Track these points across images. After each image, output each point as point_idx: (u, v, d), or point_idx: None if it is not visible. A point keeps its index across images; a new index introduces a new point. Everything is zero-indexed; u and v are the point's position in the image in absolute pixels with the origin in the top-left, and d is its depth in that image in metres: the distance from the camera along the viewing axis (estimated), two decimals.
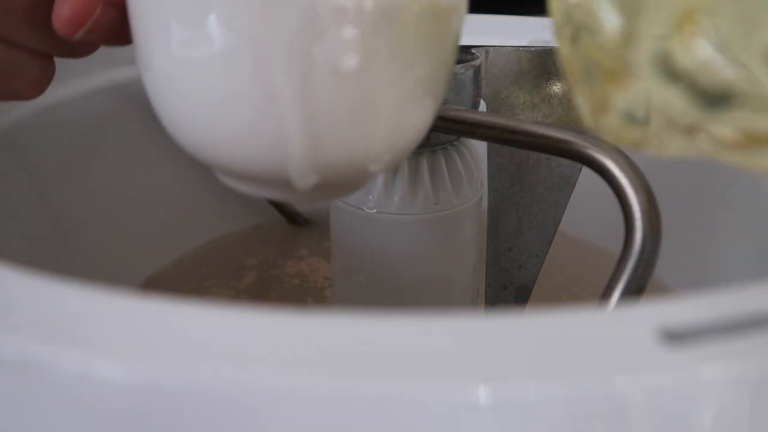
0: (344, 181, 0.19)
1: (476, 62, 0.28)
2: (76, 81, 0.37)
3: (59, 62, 0.23)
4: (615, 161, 0.22)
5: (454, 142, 0.29)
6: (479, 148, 0.30)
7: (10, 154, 0.32)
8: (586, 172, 0.25)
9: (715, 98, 0.13)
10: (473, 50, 0.29)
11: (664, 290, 0.40)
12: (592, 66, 0.15)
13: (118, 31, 0.20)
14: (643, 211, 0.21)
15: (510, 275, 0.31)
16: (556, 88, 0.29)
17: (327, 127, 0.17)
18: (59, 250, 0.35)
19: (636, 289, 0.21)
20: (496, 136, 0.25)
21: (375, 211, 0.28)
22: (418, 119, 0.19)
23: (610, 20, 0.14)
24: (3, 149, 0.32)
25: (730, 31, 0.13)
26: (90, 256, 0.37)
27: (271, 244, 0.45)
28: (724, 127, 0.14)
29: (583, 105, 0.16)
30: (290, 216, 0.47)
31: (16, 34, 0.21)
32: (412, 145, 0.19)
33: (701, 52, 0.13)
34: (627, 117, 0.14)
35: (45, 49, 0.22)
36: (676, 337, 0.12)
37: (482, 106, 0.30)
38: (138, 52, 0.19)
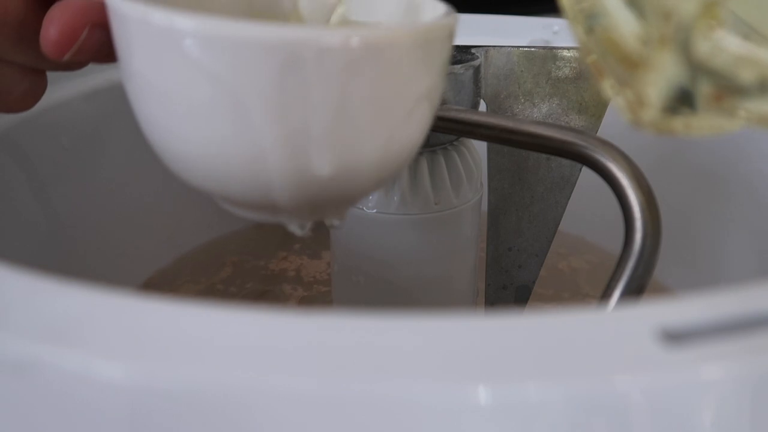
0: (336, 205, 0.19)
1: (476, 62, 0.28)
2: (76, 81, 0.37)
3: None
4: (615, 161, 0.22)
5: (454, 142, 0.29)
6: (479, 148, 0.30)
7: (10, 154, 0.32)
8: (586, 172, 0.25)
9: (751, 87, 0.13)
10: (473, 50, 0.29)
11: (664, 290, 0.40)
12: (613, 55, 0.15)
13: (106, 51, 0.19)
14: (643, 211, 0.21)
15: (510, 275, 0.31)
16: (556, 88, 0.29)
17: (311, 166, 0.17)
18: (59, 250, 0.35)
19: (636, 289, 0.21)
20: (496, 136, 0.25)
21: (375, 211, 0.28)
22: (405, 146, 0.18)
23: (626, 21, 0.14)
24: (3, 149, 0.32)
25: (750, 15, 0.13)
26: (90, 257, 0.37)
27: (272, 244, 0.45)
28: (765, 105, 0.13)
29: (615, 98, 0.15)
30: None
31: (6, 51, 0.20)
32: (404, 165, 0.19)
33: (729, 44, 0.13)
34: (669, 110, 0.14)
35: (36, 65, 0.22)
36: (675, 337, 0.12)
37: (482, 106, 0.30)
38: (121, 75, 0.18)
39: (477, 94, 0.29)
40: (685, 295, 0.14)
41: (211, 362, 0.12)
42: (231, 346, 0.12)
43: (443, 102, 0.27)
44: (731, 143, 0.36)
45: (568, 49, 0.29)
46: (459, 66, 0.27)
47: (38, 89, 0.22)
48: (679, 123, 0.14)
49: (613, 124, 0.34)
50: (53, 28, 0.19)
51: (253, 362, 0.12)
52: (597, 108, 0.29)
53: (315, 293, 0.40)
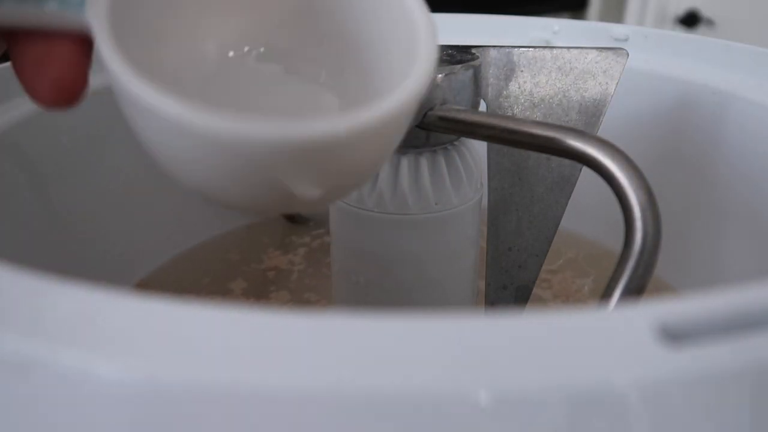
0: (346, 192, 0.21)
1: (476, 62, 0.28)
2: None
3: None
4: (615, 161, 0.22)
5: (454, 142, 0.29)
6: (479, 148, 0.30)
7: (10, 154, 0.32)
8: (586, 172, 0.25)
9: None
10: (473, 50, 0.29)
11: (665, 290, 0.40)
12: None
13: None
14: (643, 211, 0.21)
15: (510, 275, 0.31)
16: (556, 88, 0.29)
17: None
18: (59, 250, 0.35)
19: (636, 289, 0.21)
20: (496, 136, 0.25)
21: (375, 211, 0.28)
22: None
23: None
24: (3, 149, 0.32)
25: None
26: (89, 256, 0.37)
27: (271, 243, 0.45)
28: None
29: None
30: (288, 214, 0.47)
31: None
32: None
33: None
34: None
35: None
36: (676, 336, 0.12)
37: (482, 106, 0.30)
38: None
39: (477, 94, 0.29)
40: (685, 295, 0.14)
41: (210, 362, 0.12)
42: (231, 346, 0.12)
43: (443, 102, 0.27)
44: (732, 143, 0.36)
45: (568, 48, 0.29)
46: (459, 66, 0.27)
47: None
48: None
49: (613, 124, 0.34)
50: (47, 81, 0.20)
51: (252, 362, 0.12)
52: (597, 108, 0.29)
53: None
